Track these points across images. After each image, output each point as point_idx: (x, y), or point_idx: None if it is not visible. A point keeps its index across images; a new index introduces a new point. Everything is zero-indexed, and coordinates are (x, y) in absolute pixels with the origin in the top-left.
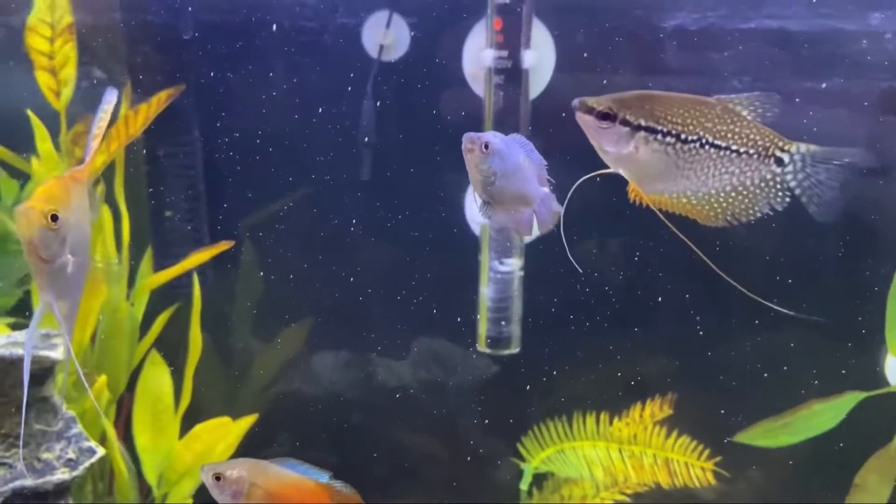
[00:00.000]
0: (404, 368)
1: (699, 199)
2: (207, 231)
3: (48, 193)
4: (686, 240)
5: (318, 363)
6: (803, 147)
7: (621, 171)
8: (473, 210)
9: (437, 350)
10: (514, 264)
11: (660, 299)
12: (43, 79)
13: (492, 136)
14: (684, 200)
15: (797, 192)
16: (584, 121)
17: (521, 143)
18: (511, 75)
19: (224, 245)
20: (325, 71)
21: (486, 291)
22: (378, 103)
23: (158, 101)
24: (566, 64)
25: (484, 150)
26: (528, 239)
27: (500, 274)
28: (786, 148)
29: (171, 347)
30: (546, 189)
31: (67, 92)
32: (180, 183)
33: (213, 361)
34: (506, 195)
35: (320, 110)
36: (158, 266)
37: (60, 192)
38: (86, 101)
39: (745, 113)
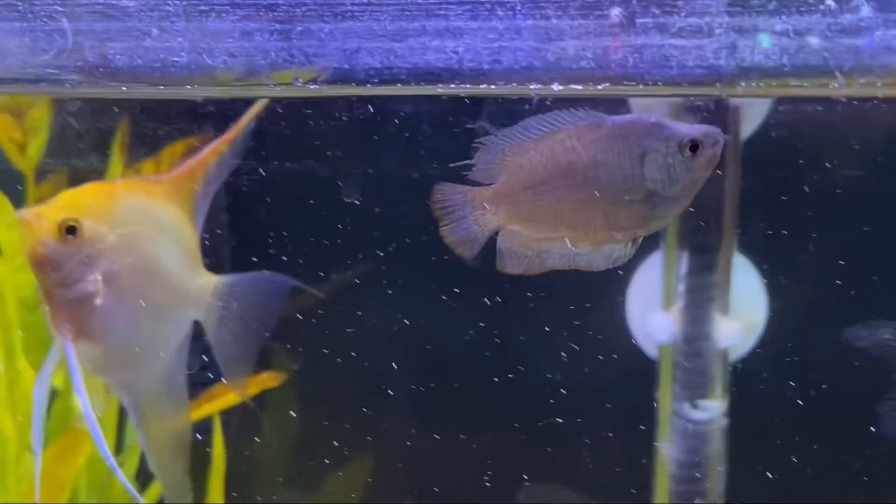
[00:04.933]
0: None
1: None
2: None
3: (73, 199)
4: None
5: None
6: None
7: None
8: (648, 321)
9: None
10: (715, 409)
11: None
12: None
13: None
14: None
15: None
16: None
17: None
18: None
19: (270, 380)
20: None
21: (667, 450)
22: None
23: (173, 155)
24: None
25: None
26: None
27: (692, 424)
28: None
29: None
30: None
31: (38, 143)
32: None
33: None
34: None
35: None
36: None
37: (97, 199)
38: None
39: None
